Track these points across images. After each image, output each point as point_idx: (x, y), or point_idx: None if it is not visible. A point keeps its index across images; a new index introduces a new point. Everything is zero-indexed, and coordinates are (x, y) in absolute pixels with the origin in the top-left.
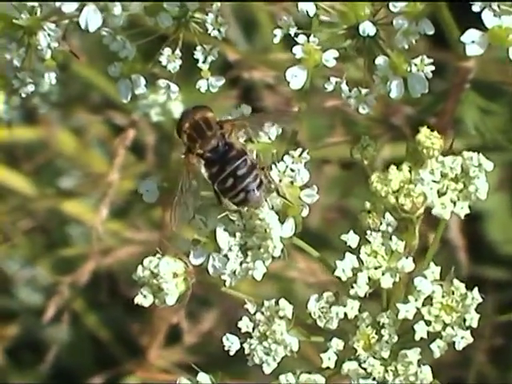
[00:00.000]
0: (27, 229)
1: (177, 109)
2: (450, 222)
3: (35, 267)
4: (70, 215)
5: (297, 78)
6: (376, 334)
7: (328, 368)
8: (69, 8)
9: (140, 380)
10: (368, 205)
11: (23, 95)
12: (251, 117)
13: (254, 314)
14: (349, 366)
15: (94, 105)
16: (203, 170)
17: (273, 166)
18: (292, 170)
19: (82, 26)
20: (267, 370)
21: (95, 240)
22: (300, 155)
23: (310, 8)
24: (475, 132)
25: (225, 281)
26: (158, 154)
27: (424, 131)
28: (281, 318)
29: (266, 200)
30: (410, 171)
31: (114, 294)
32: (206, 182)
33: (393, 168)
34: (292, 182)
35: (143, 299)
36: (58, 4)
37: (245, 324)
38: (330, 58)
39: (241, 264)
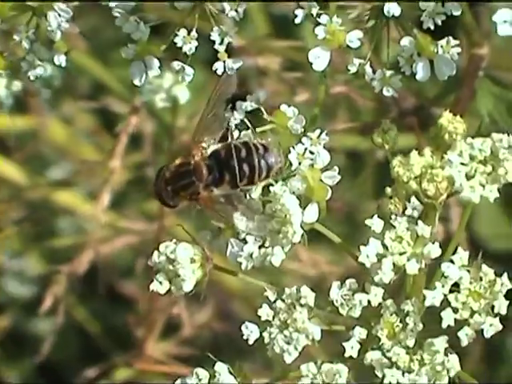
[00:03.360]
0: (17, 219)
1: (182, 94)
2: (451, 215)
3: (24, 259)
4: (61, 206)
5: (320, 59)
6: (400, 322)
7: (351, 357)
8: None
9: (136, 372)
10: (389, 190)
11: (32, 78)
12: (204, 117)
13: (274, 301)
14: (372, 356)
15: (82, 94)
16: (219, 192)
17: (291, 149)
18: (311, 153)
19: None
20: (288, 359)
21: (95, 229)
22: (318, 136)
23: None
24: (489, 120)
25: (241, 264)
26: (154, 143)
27: (446, 115)
28: (302, 305)
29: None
30: (431, 156)
31: (97, 285)
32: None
33: (414, 153)
34: (312, 165)
35: (159, 286)
36: None
37: (265, 312)
38: (354, 38)
39: (259, 248)
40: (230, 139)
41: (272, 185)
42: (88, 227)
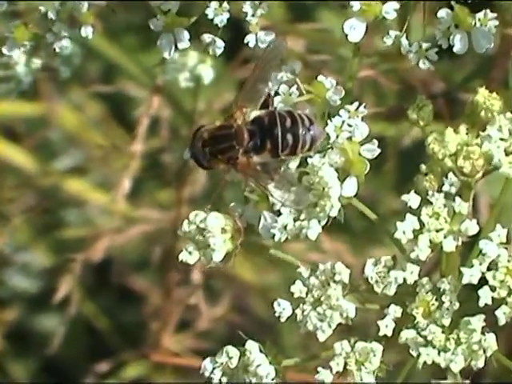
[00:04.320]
0: (25, 208)
1: (207, 74)
2: (478, 200)
3: (30, 251)
4: (71, 195)
5: (355, 30)
6: (436, 300)
7: (385, 336)
8: None
9: (147, 368)
10: (424, 167)
11: (57, 50)
12: (249, 82)
13: (308, 278)
14: (407, 335)
15: (92, 81)
16: (258, 159)
17: (328, 121)
18: (349, 125)
19: None
20: (322, 337)
21: (109, 218)
22: (357, 109)
23: None
24: None
25: (274, 235)
26: (171, 129)
27: (482, 92)
28: (336, 282)
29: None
30: (467, 133)
31: (105, 280)
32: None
33: (449, 130)
34: (350, 138)
35: (188, 256)
36: None
37: (298, 288)
38: (390, 10)
39: (294, 221)
40: (271, 106)
41: (310, 157)
42: (98, 218)
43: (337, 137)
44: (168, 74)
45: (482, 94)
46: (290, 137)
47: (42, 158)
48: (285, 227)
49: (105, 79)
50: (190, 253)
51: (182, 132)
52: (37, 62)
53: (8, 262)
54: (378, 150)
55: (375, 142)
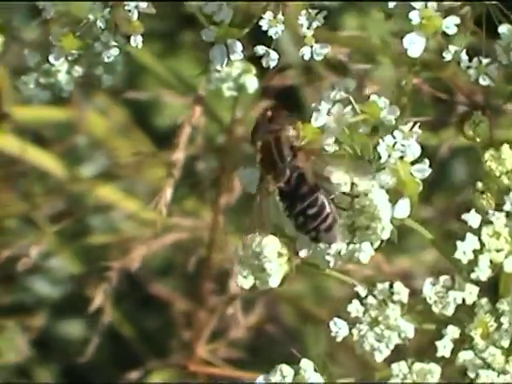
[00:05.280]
0: (54, 214)
1: (251, 83)
2: None
3: (56, 257)
4: (99, 202)
5: (415, 44)
6: (495, 321)
7: (443, 357)
8: None
9: (182, 373)
10: (480, 185)
11: (106, 60)
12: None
13: (365, 297)
14: (465, 356)
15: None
16: (278, 198)
17: (380, 141)
18: (402, 145)
19: None
20: (379, 357)
21: (143, 223)
22: (411, 129)
23: None
24: None
25: (328, 262)
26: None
27: None
28: (394, 302)
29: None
30: None
31: (130, 288)
32: None
33: (505, 146)
34: (401, 157)
35: (243, 280)
36: None
37: (355, 308)
38: (451, 24)
39: (348, 244)
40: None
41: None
42: (124, 224)
43: (389, 156)
44: (212, 83)
45: None
46: (301, 219)
47: (70, 164)
48: (339, 253)
49: (128, 85)
50: (245, 277)
51: (216, 140)
52: (78, 70)
53: (35, 269)
54: (429, 170)
55: (426, 161)
